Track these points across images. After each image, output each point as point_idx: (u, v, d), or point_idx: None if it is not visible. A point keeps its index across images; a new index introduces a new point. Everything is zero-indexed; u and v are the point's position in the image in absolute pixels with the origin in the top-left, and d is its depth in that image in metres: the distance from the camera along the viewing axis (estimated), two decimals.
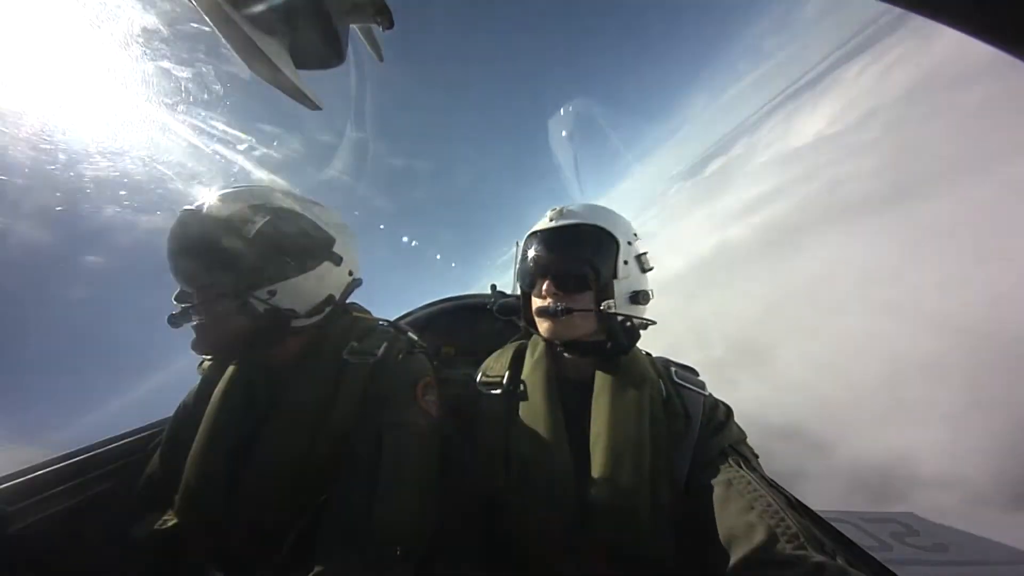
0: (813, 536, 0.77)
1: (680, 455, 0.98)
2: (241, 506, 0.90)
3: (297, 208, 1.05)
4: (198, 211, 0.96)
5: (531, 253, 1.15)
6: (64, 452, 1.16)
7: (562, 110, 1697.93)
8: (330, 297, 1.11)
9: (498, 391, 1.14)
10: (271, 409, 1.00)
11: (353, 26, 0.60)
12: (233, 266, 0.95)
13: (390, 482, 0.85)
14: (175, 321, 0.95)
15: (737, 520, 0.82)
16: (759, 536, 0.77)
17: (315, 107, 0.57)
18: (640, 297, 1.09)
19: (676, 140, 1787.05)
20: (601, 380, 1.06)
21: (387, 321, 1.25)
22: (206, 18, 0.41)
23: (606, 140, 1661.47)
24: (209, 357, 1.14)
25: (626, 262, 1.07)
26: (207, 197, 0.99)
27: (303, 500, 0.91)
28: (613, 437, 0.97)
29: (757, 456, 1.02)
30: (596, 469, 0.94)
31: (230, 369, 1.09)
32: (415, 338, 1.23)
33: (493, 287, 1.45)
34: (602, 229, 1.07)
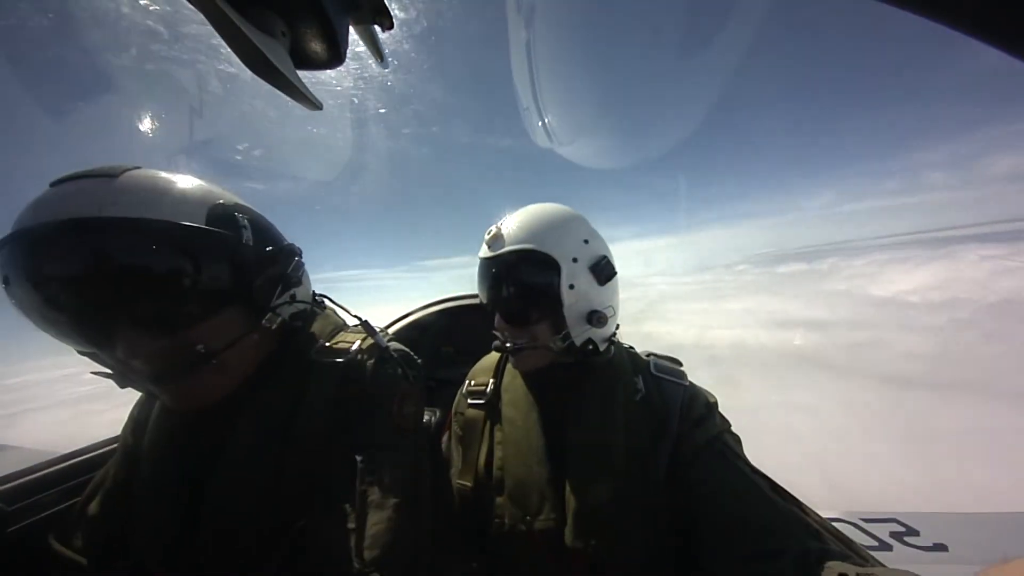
0: (801, 522, 0.79)
1: (660, 450, 0.96)
2: (203, 538, 0.79)
3: (237, 200, 0.89)
4: (137, 220, 0.69)
5: (477, 281, 1.12)
6: (64, 452, 1.16)
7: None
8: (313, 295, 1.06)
9: (482, 400, 1.17)
10: (227, 428, 0.84)
11: (353, 28, 0.60)
12: (255, 281, 0.84)
13: (365, 512, 0.76)
14: (164, 376, 0.76)
15: (729, 515, 0.82)
16: (752, 531, 0.78)
17: (315, 107, 0.57)
18: (595, 318, 1.00)
19: (775, 222, 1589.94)
20: (575, 385, 1.06)
21: (359, 318, 1.11)
22: (205, 18, 0.41)
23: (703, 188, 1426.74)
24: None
25: (572, 286, 0.96)
26: (111, 195, 0.68)
27: (276, 523, 0.80)
28: (585, 443, 0.97)
29: (740, 443, 1.01)
30: (571, 476, 0.94)
31: None
32: (390, 336, 1.10)
33: None
34: (537, 253, 0.96)
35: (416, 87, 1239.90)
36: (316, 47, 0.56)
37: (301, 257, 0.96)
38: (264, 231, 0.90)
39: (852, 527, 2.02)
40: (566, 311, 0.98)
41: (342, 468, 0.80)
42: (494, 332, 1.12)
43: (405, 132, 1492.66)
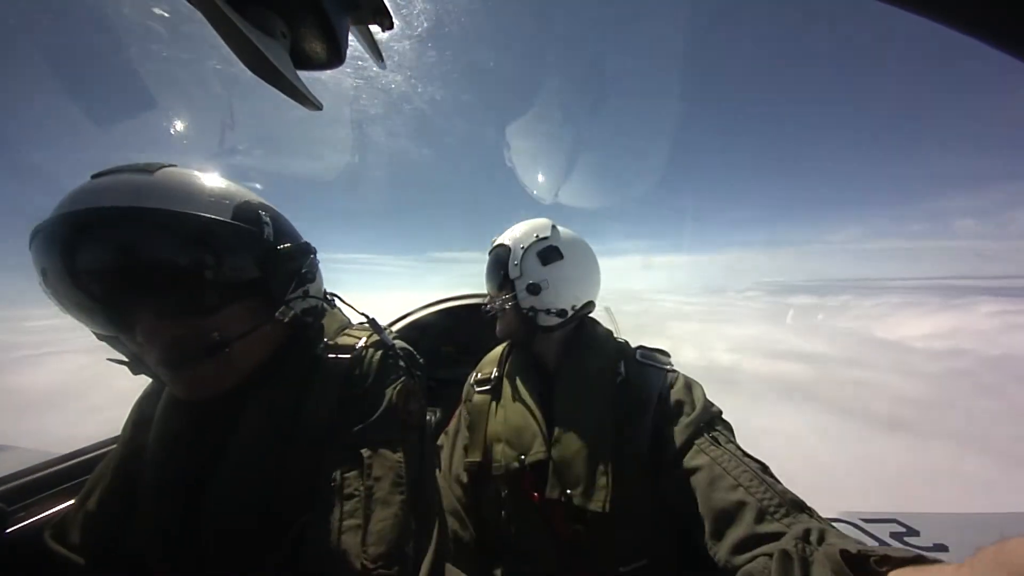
0: (796, 503, 0.81)
1: (639, 424, 1.08)
2: (204, 534, 0.79)
3: (261, 199, 0.92)
4: (172, 213, 0.73)
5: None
6: (64, 452, 1.16)
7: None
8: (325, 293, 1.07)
9: (488, 386, 1.34)
10: (232, 424, 0.85)
11: (353, 27, 0.60)
12: (272, 276, 0.86)
13: (370, 508, 0.75)
14: (179, 362, 0.77)
15: (725, 499, 0.84)
16: (750, 513, 0.79)
17: (315, 108, 0.57)
18: (532, 288, 1.22)
19: (796, 252, 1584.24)
20: (561, 366, 1.26)
21: (366, 316, 1.13)
22: (205, 18, 0.41)
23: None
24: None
25: (516, 263, 1.25)
26: (147, 188, 0.72)
27: (278, 520, 0.81)
28: (565, 411, 1.14)
29: (731, 429, 1.05)
30: (554, 438, 1.10)
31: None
32: (394, 334, 1.11)
33: None
34: (502, 246, 1.30)
35: (444, 84, 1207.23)
36: (316, 47, 0.56)
37: (316, 255, 0.98)
38: (283, 229, 0.92)
39: (852, 527, 2.02)
40: (517, 284, 1.24)
41: (347, 464, 0.80)
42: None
43: (424, 131, 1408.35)
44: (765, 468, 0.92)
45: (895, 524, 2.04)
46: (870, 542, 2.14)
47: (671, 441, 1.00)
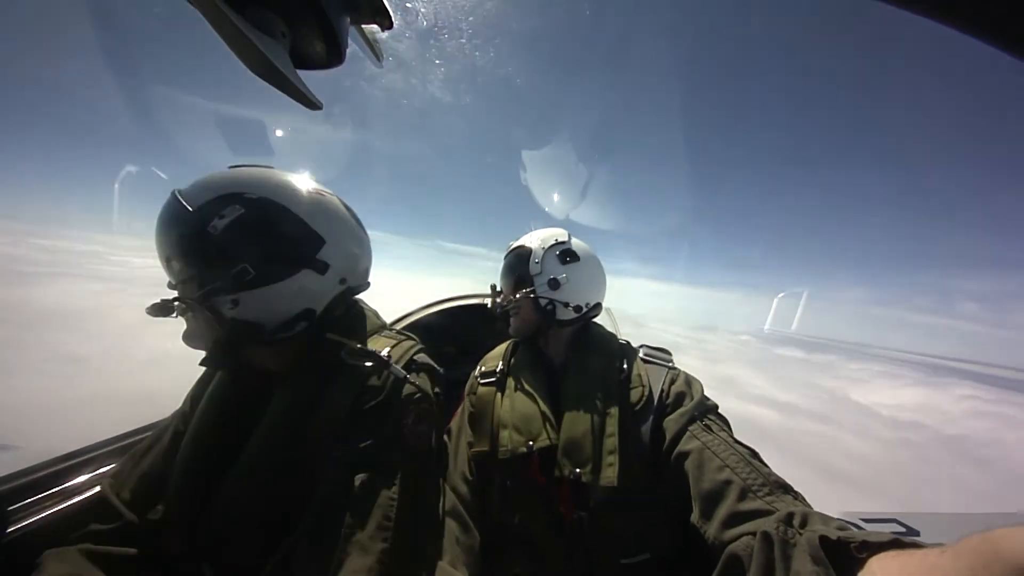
0: (781, 484, 0.83)
1: (643, 424, 1.11)
2: (214, 516, 0.86)
3: (282, 202, 0.90)
4: (175, 197, 0.85)
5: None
6: (64, 452, 1.16)
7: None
8: (307, 312, 0.95)
9: (493, 379, 1.35)
10: (262, 412, 0.91)
11: (353, 27, 0.60)
12: (198, 266, 0.85)
13: (346, 552, 0.73)
14: (153, 311, 0.88)
15: (713, 479, 0.87)
16: (734, 492, 0.82)
17: (315, 107, 0.57)
18: (553, 283, 1.30)
19: (797, 304, 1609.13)
20: (568, 361, 1.30)
21: (391, 328, 1.14)
22: (205, 18, 0.41)
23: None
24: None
25: (536, 261, 1.33)
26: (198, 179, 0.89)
27: (278, 518, 0.83)
28: (573, 399, 1.17)
29: (729, 426, 1.07)
30: (561, 424, 1.14)
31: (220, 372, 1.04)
32: (420, 348, 1.10)
33: (493, 287, 1.46)
34: (523, 247, 1.38)
35: (478, 83, 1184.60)
36: (316, 47, 0.56)
37: (265, 269, 0.90)
38: (260, 230, 0.88)
39: (852, 527, 2.02)
40: (536, 280, 1.32)
41: (339, 487, 0.78)
42: (496, 305, 1.42)
43: (448, 127, 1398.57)
44: (754, 453, 0.94)
45: (895, 524, 2.04)
46: None
47: (668, 430, 1.04)
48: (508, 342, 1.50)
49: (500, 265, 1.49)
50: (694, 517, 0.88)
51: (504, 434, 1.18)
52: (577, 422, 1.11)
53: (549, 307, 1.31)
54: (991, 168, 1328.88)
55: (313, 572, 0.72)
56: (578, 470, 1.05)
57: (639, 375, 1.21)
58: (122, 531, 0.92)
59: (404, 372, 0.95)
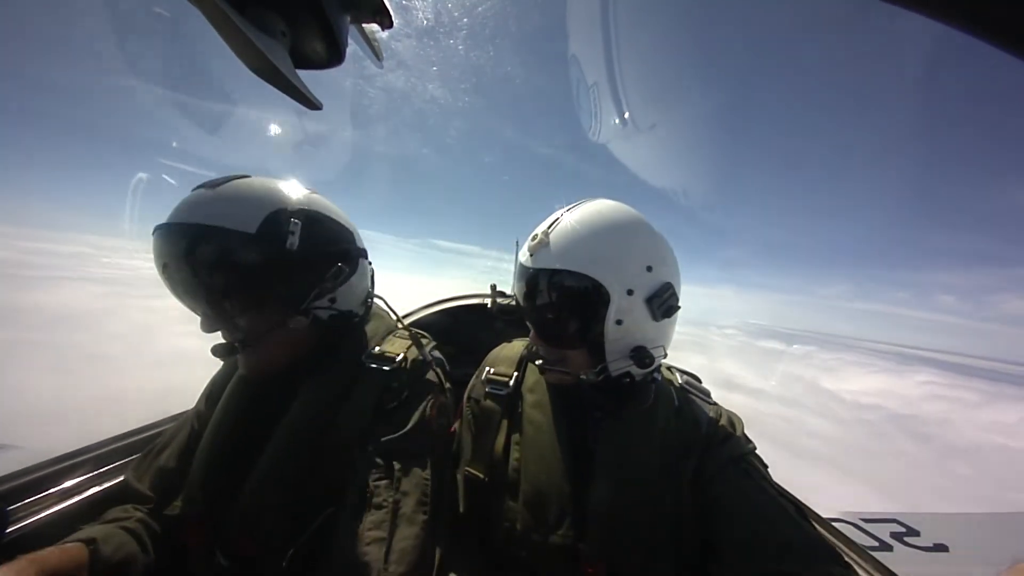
0: (826, 544, 0.77)
1: (685, 466, 0.92)
2: (238, 509, 0.90)
3: (314, 207, 0.97)
4: (223, 229, 0.82)
5: (513, 285, 1.08)
6: (64, 452, 1.16)
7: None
8: (369, 291, 1.15)
9: (504, 392, 1.11)
10: (282, 411, 0.97)
11: (353, 26, 0.60)
12: (281, 285, 0.91)
13: (395, 524, 0.81)
14: (223, 353, 0.93)
15: (751, 531, 0.80)
16: (774, 547, 0.76)
17: (315, 107, 0.57)
18: (640, 356, 0.89)
19: (783, 299, 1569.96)
20: (611, 404, 1.00)
21: (409, 329, 1.18)
22: (205, 17, 0.41)
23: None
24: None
25: (620, 321, 0.87)
26: (205, 204, 0.85)
27: (302, 510, 0.89)
28: (619, 461, 0.92)
29: (767, 466, 0.98)
30: (600, 492, 0.89)
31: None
32: (433, 345, 1.19)
33: (493, 287, 1.45)
34: (585, 279, 0.85)
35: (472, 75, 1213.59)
36: (316, 47, 0.56)
37: (345, 264, 1.00)
38: (319, 235, 0.96)
39: (852, 527, 2.01)
40: (608, 345, 0.90)
41: (378, 471, 0.86)
42: (534, 345, 1.07)
43: (446, 125, 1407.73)
44: (800, 508, 0.86)
45: (896, 524, 2.04)
46: (870, 542, 2.14)
47: (705, 471, 0.92)
48: (520, 344, 1.26)
49: (511, 267, 1.14)
50: (721, 570, 0.81)
51: (511, 507, 0.95)
52: (624, 506, 0.87)
53: (627, 380, 0.97)
54: (983, 167, 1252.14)
55: (357, 540, 0.79)
56: (619, 558, 0.85)
57: (686, 412, 1.01)
58: (142, 520, 0.96)
59: (424, 373, 1.05)
